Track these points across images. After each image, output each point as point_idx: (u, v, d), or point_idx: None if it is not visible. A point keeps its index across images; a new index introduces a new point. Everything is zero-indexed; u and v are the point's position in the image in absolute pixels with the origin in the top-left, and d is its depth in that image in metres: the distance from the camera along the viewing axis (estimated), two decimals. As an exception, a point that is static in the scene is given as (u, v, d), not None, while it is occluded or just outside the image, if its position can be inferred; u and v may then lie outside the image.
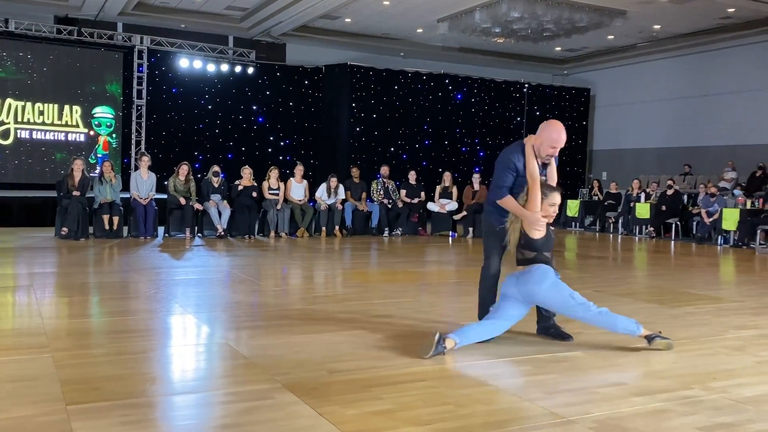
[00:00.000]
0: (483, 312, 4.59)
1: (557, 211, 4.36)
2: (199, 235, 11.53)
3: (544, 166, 4.47)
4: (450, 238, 12.78)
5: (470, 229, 12.99)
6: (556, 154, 4.43)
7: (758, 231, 12.41)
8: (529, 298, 4.24)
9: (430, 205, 13.51)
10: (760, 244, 12.26)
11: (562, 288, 4.20)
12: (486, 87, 18.94)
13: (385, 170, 13.43)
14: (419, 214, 13.43)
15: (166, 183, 11.63)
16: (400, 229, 12.98)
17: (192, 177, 11.71)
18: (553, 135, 4.34)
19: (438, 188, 13.64)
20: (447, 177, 13.75)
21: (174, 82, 16.21)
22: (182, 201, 11.30)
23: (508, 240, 4.36)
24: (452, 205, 13.41)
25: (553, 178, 4.48)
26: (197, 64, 16.18)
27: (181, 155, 14.63)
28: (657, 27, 16.25)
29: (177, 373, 3.78)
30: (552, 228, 4.36)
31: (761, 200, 13.09)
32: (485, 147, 18.89)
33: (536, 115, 18.92)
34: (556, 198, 4.31)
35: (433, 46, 18.31)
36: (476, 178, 13.67)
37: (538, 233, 4.22)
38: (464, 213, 13.21)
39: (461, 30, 15.87)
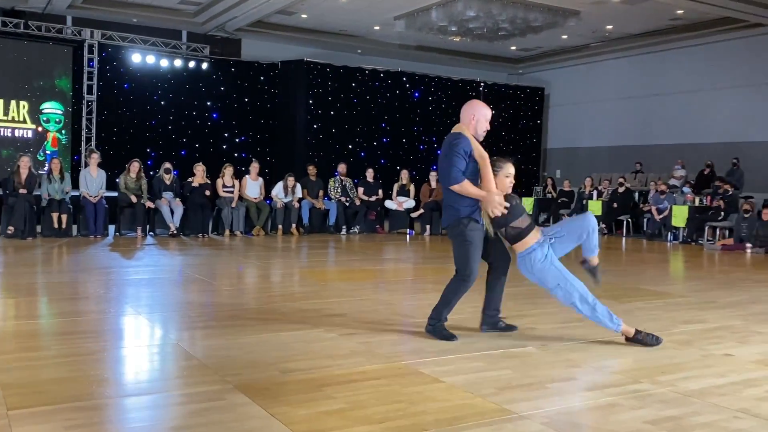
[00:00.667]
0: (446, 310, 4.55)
1: (513, 182, 4.46)
2: (151, 233, 11.32)
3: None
4: (407, 236, 12.81)
5: (428, 226, 13.05)
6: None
7: (706, 227, 12.77)
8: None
9: (388, 203, 13.52)
10: (708, 240, 12.62)
11: (550, 274, 4.32)
12: (443, 85, 19.03)
13: (342, 168, 13.38)
14: (377, 212, 13.43)
15: (117, 180, 11.37)
16: (358, 227, 12.96)
17: (143, 174, 11.48)
18: (485, 111, 4.53)
19: (396, 186, 13.66)
20: (404, 175, 13.78)
21: (125, 78, 15.85)
22: (133, 199, 11.07)
23: (486, 230, 4.42)
24: (410, 203, 13.45)
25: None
26: (150, 59, 15.86)
27: (132, 152, 14.31)
28: (609, 27, 16.56)
29: (126, 374, 3.70)
30: (514, 195, 4.42)
31: (709, 197, 13.46)
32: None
33: (492, 114, 19.06)
34: (510, 169, 4.41)
35: (391, 43, 18.32)
36: (434, 176, 13.72)
37: (500, 210, 4.26)
38: (422, 211, 13.26)
39: (418, 28, 15.92)
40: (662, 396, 3.38)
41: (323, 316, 5.14)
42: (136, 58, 15.72)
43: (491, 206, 4.26)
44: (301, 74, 17.07)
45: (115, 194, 11.31)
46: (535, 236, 4.34)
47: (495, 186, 4.29)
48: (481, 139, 4.53)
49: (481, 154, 4.34)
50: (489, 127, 4.56)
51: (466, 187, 4.32)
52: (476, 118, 4.49)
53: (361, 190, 13.40)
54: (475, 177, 4.36)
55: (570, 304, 4.33)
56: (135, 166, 11.33)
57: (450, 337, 4.43)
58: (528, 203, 16.08)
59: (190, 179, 11.80)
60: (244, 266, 8.38)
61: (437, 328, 4.49)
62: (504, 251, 4.60)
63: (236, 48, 17.58)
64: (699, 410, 3.18)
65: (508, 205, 4.29)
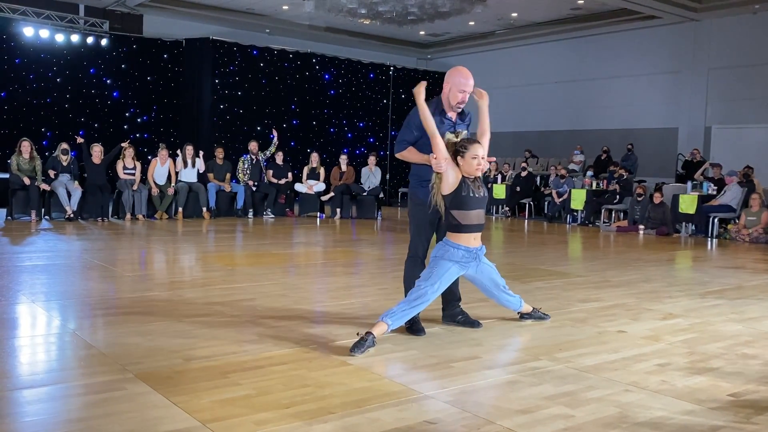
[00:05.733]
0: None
1: (481, 164, 4.00)
2: (47, 217, 10.76)
3: (461, 117, 4.33)
4: (318, 220, 12.76)
5: (338, 210, 13.04)
6: (466, 99, 4.23)
7: (602, 210, 13.40)
8: None
9: (298, 186, 13.41)
10: (604, 222, 13.25)
11: (434, 267, 4.04)
12: (353, 68, 18.99)
13: (253, 146, 13.09)
14: (286, 195, 13.29)
15: (8, 162, 10.72)
16: (270, 210, 12.78)
17: (37, 155, 10.89)
18: (459, 79, 4.18)
19: (305, 169, 13.56)
20: (314, 158, 13.69)
21: (17, 53, 14.89)
22: (26, 181, 10.48)
23: (432, 202, 4.10)
24: (320, 186, 13.38)
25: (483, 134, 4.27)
26: (44, 33, 14.95)
27: (25, 132, 13.51)
28: (514, 15, 17.00)
29: (21, 366, 3.50)
30: (481, 185, 4.10)
31: (605, 181, 14.12)
32: (353, 128, 18.99)
33: (402, 98, 19.25)
34: (476, 150, 3.97)
35: (300, 24, 18.09)
36: (344, 159, 13.72)
37: (447, 188, 3.99)
38: (332, 194, 13.23)
39: (327, 9, 15.79)
40: (559, 372, 3.53)
41: (230, 301, 5.06)
42: (28, 31, 14.80)
43: (435, 168, 3.99)
44: (207, 53, 16.59)
45: (7, 176, 10.68)
46: (467, 241, 4.03)
47: (443, 150, 3.96)
48: (460, 110, 4.27)
49: (425, 116, 3.98)
50: (464, 98, 4.20)
51: (408, 154, 4.20)
52: (450, 88, 4.20)
53: (270, 172, 13.22)
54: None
55: (420, 284, 4.03)
56: (26, 145, 10.72)
57: (414, 330, 4.20)
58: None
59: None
60: (147, 252, 8.11)
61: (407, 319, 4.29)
62: None
63: (137, 24, 16.86)
64: (593, 385, 3.34)
65: (444, 164, 3.94)
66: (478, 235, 4.12)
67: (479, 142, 4.05)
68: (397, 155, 4.33)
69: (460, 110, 4.31)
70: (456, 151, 4.01)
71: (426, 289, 3.95)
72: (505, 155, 18.58)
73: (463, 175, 4.00)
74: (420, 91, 4.08)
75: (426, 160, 4.09)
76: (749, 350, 4.09)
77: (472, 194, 4.00)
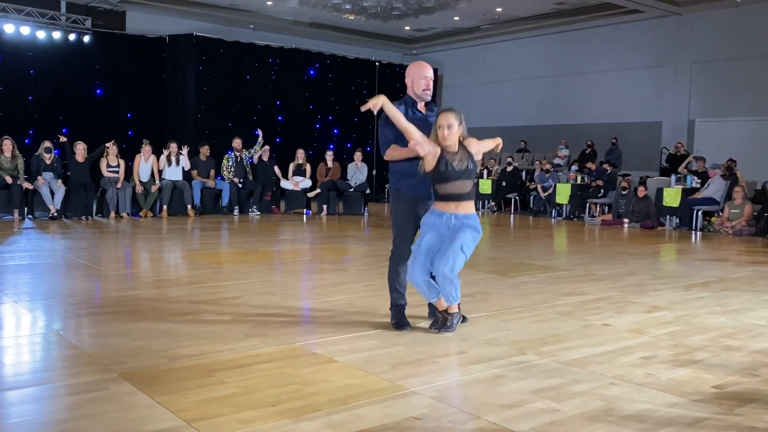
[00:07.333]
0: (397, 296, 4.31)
1: (444, 134, 4.01)
2: (30, 216, 10.66)
3: (430, 108, 4.32)
4: (304, 216, 12.73)
5: (324, 206, 13.02)
6: (430, 85, 4.28)
7: (587, 204, 13.47)
8: None
9: (284, 183, 13.36)
10: (590, 216, 13.32)
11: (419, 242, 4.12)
12: (338, 64, 18.93)
13: (237, 143, 13.00)
14: (272, 192, 13.24)
15: (-10, 160, 10.61)
16: (255, 207, 12.73)
17: (19, 153, 10.77)
18: (418, 69, 4.27)
19: (291, 165, 13.51)
20: (300, 154, 13.64)
21: (-3, 49, 14.73)
22: (8, 180, 10.36)
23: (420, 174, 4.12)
24: (306, 183, 13.35)
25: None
26: (24, 30, 14.78)
27: (7, 130, 13.32)
28: (499, 10, 17.02)
29: (5, 367, 3.46)
30: (465, 154, 4.08)
31: (588, 177, 14.19)
32: (339, 124, 18.94)
33: (388, 93, 19.09)
34: (441, 119, 4.03)
35: (285, 19, 18.00)
36: (330, 156, 13.69)
37: (428, 166, 4.04)
38: (318, 191, 13.20)
39: (312, 5, 15.72)
40: (545, 366, 3.55)
41: (215, 299, 5.03)
42: (9, 28, 14.62)
43: (420, 152, 4.03)
44: (191, 49, 16.48)
45: (-12, 175, 10.56)
46: (445, 207, 4.06)
47: (416, 134, 4.01)
48: (427, 99, 4.29)
49: (395, 119, 4.05)
50: (428, 83, 4.25)
51: (392, 152, 4.22)
52: (412, 80, 4.27)
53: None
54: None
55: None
56: (7, 144, 10.61)
57: (399, 326, 4.20)
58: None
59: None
60: (131, 250, 8.05)
61: (392, 315, 4.30)
62: None
63: (120, 20, 16.72)
64: (579, 378, 3.35)
65: (423, 146, 4.00)
66: (462, 203, 4.10)
67: (450, 111, 4.08)
68: (386, 158, 4.32)
69: (428, 98, 4.33)
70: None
71: (413, 253, 4.09)
72: (489, 151, 18.59)
73: (442, 151, 4.05)
74: (381, 100, 4.07)
75: (410, 151, 4.11)
76: (733, 342, 4.13)
77: (450, 168, 4.02)
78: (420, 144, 4.04)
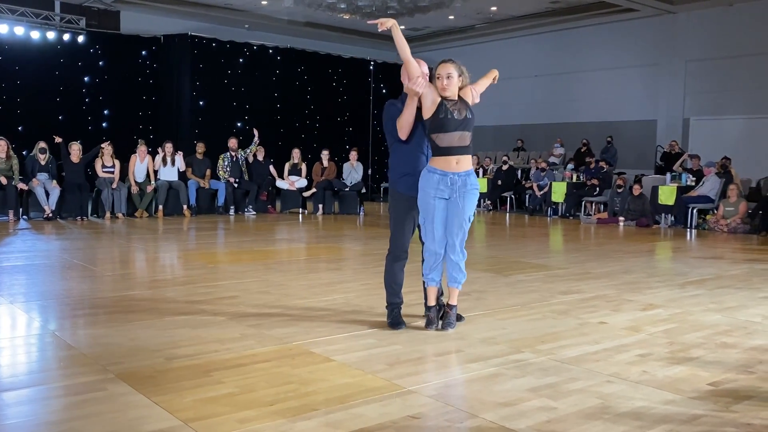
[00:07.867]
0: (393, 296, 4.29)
1: (444, 83, 4.01)
2: (25, 217, 10.64)
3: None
4: (300, 216, 12.72)
5: (320, 206, 13.01)
6: (427, 77, 4.13)
7: (583, 202, 13.49)
8: None
9: (280, 183, 13.35)
10: (586, 214, 13.34)
11: (423, 212, 4.10)
12: (334, 63, 18.91)
13: (233, 143, 12.99)
14: (268, 191, 13.23)
15: (-16, 161, 10.58)
16: (251, 206, 12.72)
17: (14, 154, 10.75)
18: (408, 70, 4.08)
19: (287, 165, 13.50)
20: (296, 154, 13.63)
21: (-9, 50, 14.68)
22: (3, 180, 10.34)
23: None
24: (302, 182, 13.34)
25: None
26: (19, 30, 14.72)
27: (1, 131, 13.30)
28: (494, 9, 17.03)
29: (1, 369, 3.45)
30: (462, 104, 4.04)
31: (584, 175, 14.20)
32: (335, 123, 18.92)
33: (383, 92, 19.22)
34: (440, 70, 4.00)
35: (279, 19, 17.98)
36: (325, 155, 13.67)
37: (426, 112, 3.99)
38: (314, 190, 13.20)
39: (307, 4, 15.70)
40: (542, 364, 3.56)
41: (212, 299, 5.03)
42: (2, 28, 14.56)
43: (417, 88, 3.95)
44: (186, 49, 16.44)
45: (-18, 176, 10.53)
46: (444, 164, 3.96)
47: (418, 70, 3.98)
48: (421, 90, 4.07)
49: (398, 40, 4.03)
50: (426, 73, 4.13)
51: (401, 122, 4.06)
52: (407, 78, 4.12)
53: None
54: (421, 140, 4.16)
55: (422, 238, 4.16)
56: (2, 145, 10.59)
57: (394, 325, 4.19)
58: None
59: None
60: (127, 250, 8.03)
61: (388, 314, 4.29)
62: None
63: (115, 20, 16.67)
64: (575, 376, 3.36)
65: (421, 81, 3.94)
66: (462, 158, 4.03)
67: (449, 61, 4.05)
68: (401, 134, 4.14)
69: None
70: (432, 76, 4.08)
71: (426, 237, 4.11)
72: (486, 149, 18.63)
73: (442, 99, 4.01)
74: (391, 23, 4.04)
75: (412, 102, 4.00)
76: (728, 339, 4.14)
77: (450, 116, 3.96)
78: (420, 78, 3.93)
